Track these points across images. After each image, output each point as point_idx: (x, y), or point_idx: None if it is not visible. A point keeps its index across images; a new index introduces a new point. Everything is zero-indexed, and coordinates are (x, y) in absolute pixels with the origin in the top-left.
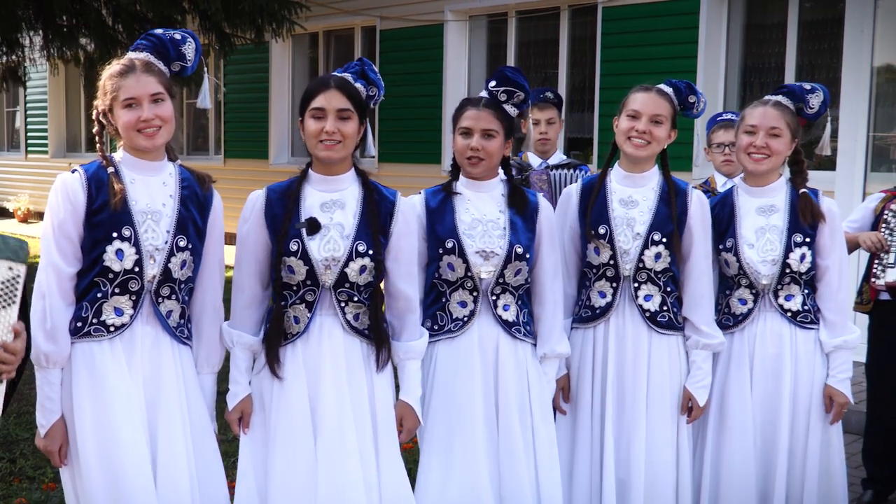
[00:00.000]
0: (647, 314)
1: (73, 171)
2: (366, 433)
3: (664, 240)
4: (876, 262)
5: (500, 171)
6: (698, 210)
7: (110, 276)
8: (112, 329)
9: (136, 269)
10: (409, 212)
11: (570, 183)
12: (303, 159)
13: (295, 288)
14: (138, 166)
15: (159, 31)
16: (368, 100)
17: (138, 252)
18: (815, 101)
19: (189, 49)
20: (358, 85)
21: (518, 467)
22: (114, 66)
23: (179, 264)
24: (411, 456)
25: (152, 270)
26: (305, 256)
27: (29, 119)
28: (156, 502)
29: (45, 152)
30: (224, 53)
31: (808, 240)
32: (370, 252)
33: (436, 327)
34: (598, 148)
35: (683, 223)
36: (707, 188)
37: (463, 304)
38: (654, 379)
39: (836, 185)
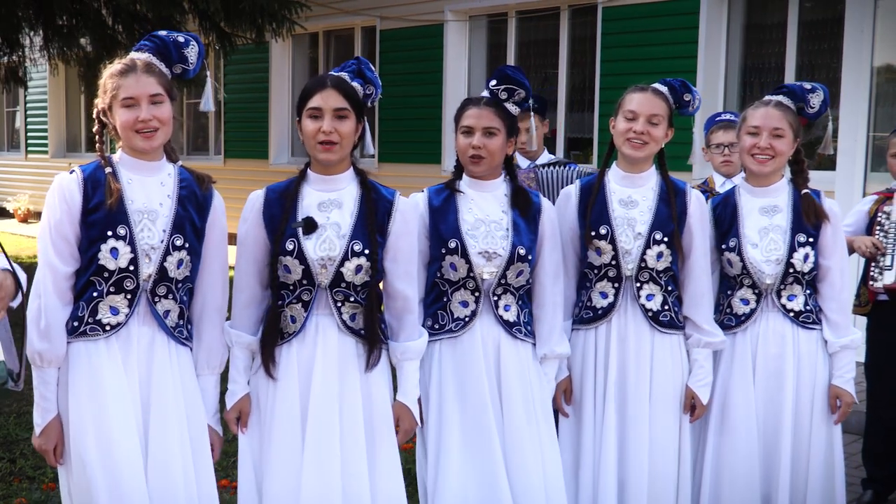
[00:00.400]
0: (650, 314)
1: (71, 172)
2: (357, 434)
3: (665, 239)
4: (873, 264)
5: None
6: (697, 209)
7: (105, 274)
8: (108, 328)
9: (132, 267)
10: (408, 211)
11: (558, 180)
12: (303, 159)
13: (291, 287)
14: (136, 166)
15: (163, 32)
16: (366, 99)
17: (133, 251)
18: (816, 100)
19: (192, 52)
20: (355, 84)
21: (528, 464)
22: (115, 65)
23: (176, 263)
24: (411, 456)
25: (148, 269)
26: (301, 256)
27: (29, 119)
28: (147, 503)
29: (45, 152)
30: (224, 53)
31: (811, 240)
32: (366, 252)
33: (436, 326)
34: (598, 148)
35: (683, 222)
36: (706, 188)
37: (464, 304)
38: (656, 379)
39: (836, 185)
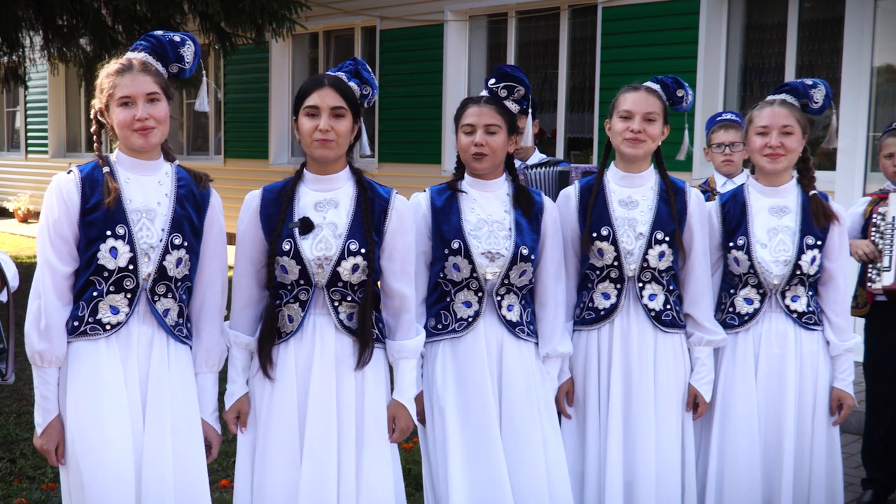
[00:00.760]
0: (653, 314)
1: (69, 172)
2: (352, 433)
3: (667, 238)
4: (870, 266)
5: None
6: (697, 208)
7: (105, 274)
8: (108, 327)
9: (131, 266)
10: (405, 210)
11: (537, 181)
12: (303, 159)
13: (289, 287)
14: (133, 166)
15: (159, 32)
16: (362, 99)
17: (132, 250)
18: (819, 95)
19: (188, 51)
20: (352, 84)
21: (531, 464)
22: (111, 65)
23: (175, 262)
24: (411, 456)
25: (147, 268)
26: (298, 256)
27: (29, 119)
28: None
29: (45, 152)
30: (224, 53)
31: (819, 242)
32: (362, 251)
33: (439, 326)
34: (598, 148)
35: (684, 221)
36: (707, 188)
37: (468, 305)
38: (660, 378)
39: (836, 185)
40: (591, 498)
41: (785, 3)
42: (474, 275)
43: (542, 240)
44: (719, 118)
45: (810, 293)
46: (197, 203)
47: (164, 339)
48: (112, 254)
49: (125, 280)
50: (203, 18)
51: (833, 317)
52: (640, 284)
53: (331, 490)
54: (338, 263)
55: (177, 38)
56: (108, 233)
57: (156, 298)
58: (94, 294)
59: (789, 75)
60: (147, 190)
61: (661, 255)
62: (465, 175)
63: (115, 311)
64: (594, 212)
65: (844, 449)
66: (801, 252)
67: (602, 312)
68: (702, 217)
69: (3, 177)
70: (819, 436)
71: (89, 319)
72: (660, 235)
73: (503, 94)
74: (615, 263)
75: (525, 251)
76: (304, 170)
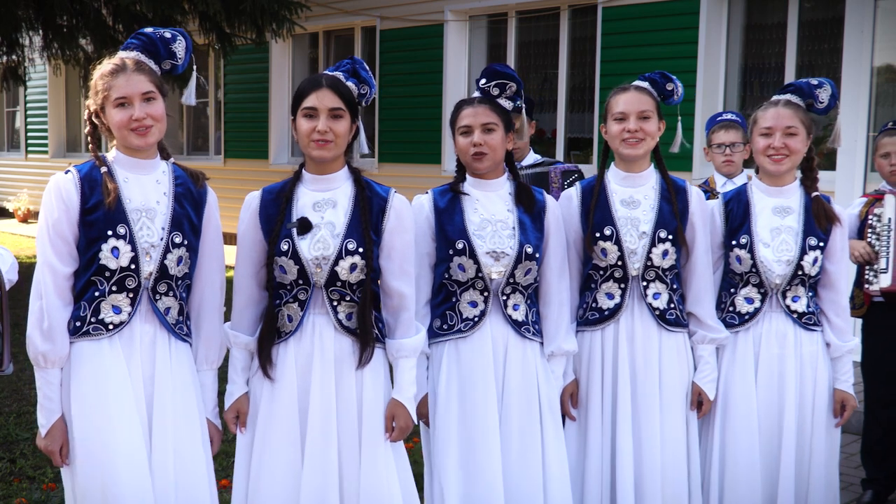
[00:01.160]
0: (657, 312)
1: (67, 172)
2: (352, 432)
3: (670, 237)
4: (867, 268)
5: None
6: (698, 206)
7: (107, 274)
8: (111, 327)
9: (133, 266)
10: (403, 209)
11: (525, 182)
12: (302, 159)
13: (288, 287)
14: (131, 165)
15: (149, 29)
16: (360, 98)
17: (134, 249)
18: (825, 95)
19: (179, 47)
20: (349, 84)
21: (530, 466)
22: (105, 66)
23: (176, 261)
24: (411, 456)
25: (148, 267)
26: (296, 256)
27: (29, 119)
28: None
29: (45, 152)
30: (224, 53)
31: (821, 243)
32: (360, 250)
33: (445, 327)
34: (598, 148)
35: (686, 219)
36: (707, 188)
37: (473, 304)
38: (665, 377)
39: (836, 186)
40: (593, 499)
41: (785, 3)
42: (479, 275)
43: (545, 238)
44: (719, 118)
45: (810, 294)
46: (195, 201)
47: (167, 338)
48: (114, 254)
49: (127, 280)
50: (203, 18)
51: (834, 318)
52: (644, 283)
53: (332, 490)
54: (336, 263)
55: (168, 35)
56: (109, 233)
57: (157, 297)
58: (96, 294)
59: (789, 75)
60: (146, 189)
61: (665, 253)
62: (467, 176)
63: (117, 310)
64: (597, 212)
65: (844, 449)
66: (803, 252)
67: (606, 312)
68: (703, 215)
69: (3, 177)
70: (818, 436)
71: (91, 320)
72: (663, 234)
73: (495, 92)
74: (619, 263)
75: (529, 249)
76: (303, 170)
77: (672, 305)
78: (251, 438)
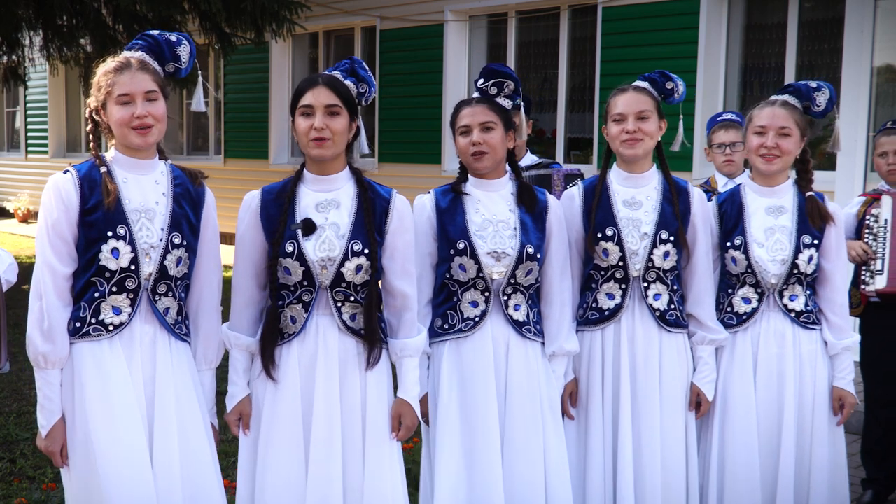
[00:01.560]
0: (657, 313)
1: (66, 172)
2: (357, 434)
3: (672, 238)
4: (864, 268)
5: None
6: (700, 207)
7: (107, 274)
8: (111, 328)
9: (133, 267)
10: (405, 209)
11: (544, 184)
12: (302, 159)
13: (292, 288)
14: (130, 165)
15: (155, 32)
16: (359, 97)
17: (134, 250)
18: (822, 98)
19: (184, 51)
20: (348, 82)
21: (530, 466)
22: (109, 63)
23: (175, 261)
24: (411, 456)
25: (148, 268)
26: (302, 257)
27: (29, 119)
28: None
29: (45, 152)
30: (224, 53)
31: (815, 242)
32: (366, 251)
33: (446, 326)
34: (598, 148)
35: (687, 220)
36: (708, 188)
37: (474, 304)
38: (665, 378)
39: (836, 186)
40: (594, 499)
41: (785, 3)
42: (480, 275)
43: (547, 238)
44: (720, 118)
45: (808, 293)
46: (193, 201)
47: (166, 338)
48: (114, 254)
49: (127, 280)
50: (204, 18)
51: (831, 316)
52: (645, 284)
53: (336, 491)
54: (342, 264)
55: (173, 38)
56: (109, 233)
57: (157, 298)
58: (96, 295)
59: (789, 75)
60: (145, 189)
61: (666, 254)
62: (468, 176)
63: (117, 311)
64: (599, 213)
65: (845, 449)
66: (797, 251)
67: (607, 313)
68: (705, 216)
69: (3, 177)
70: (819, 435)
71: (92, 320)
72: (664, 235)
73: (493, 91)
74: (620, 264)
75: (531, 250)
76: (304, 170)
77: (672, 306)
78: (255, 439)
